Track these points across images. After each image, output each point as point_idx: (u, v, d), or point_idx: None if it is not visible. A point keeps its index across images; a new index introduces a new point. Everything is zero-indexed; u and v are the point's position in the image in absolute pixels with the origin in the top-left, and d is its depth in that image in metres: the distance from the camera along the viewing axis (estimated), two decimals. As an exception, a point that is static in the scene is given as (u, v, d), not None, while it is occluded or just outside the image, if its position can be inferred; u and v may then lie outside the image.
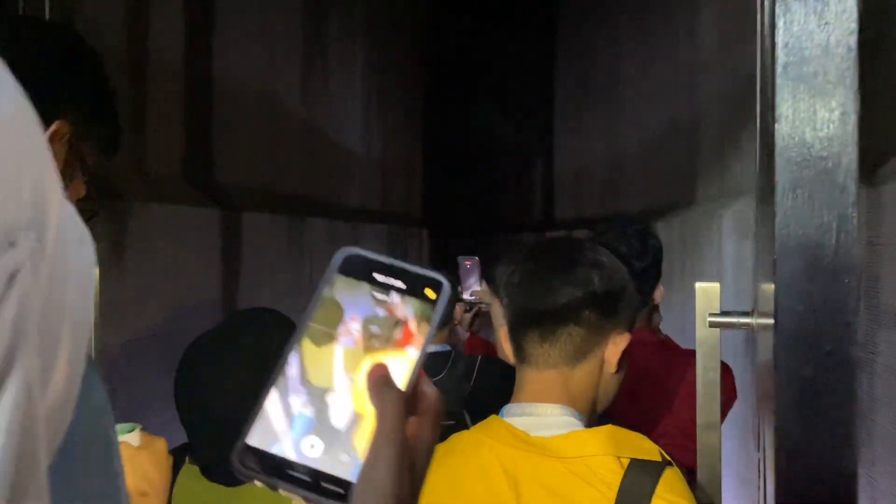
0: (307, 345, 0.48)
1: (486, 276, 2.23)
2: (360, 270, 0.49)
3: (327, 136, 5.53)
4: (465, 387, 2.21)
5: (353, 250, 0.49)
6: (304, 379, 0.47)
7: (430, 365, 0.83)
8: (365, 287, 0.48)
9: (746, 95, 4.23)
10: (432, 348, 2.30)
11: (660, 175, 5.88)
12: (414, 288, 0.49)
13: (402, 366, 0.47)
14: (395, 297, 0.48)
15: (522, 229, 10.96)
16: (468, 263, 2.85)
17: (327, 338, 0.48)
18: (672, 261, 4.86)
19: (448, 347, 2.31)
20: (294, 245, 4.52)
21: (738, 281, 3.48)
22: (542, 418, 1.09)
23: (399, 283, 0.48)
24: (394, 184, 8.62)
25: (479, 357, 2.32)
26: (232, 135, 3.74)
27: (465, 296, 2.84)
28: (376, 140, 7.43)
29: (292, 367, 0.47)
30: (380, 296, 0.48)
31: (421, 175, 10.45)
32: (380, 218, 7.12)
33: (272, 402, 0.46)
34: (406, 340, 0.48)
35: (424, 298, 0.48)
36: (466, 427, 1.25)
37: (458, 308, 2.76)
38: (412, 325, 0.48)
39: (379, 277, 0.49)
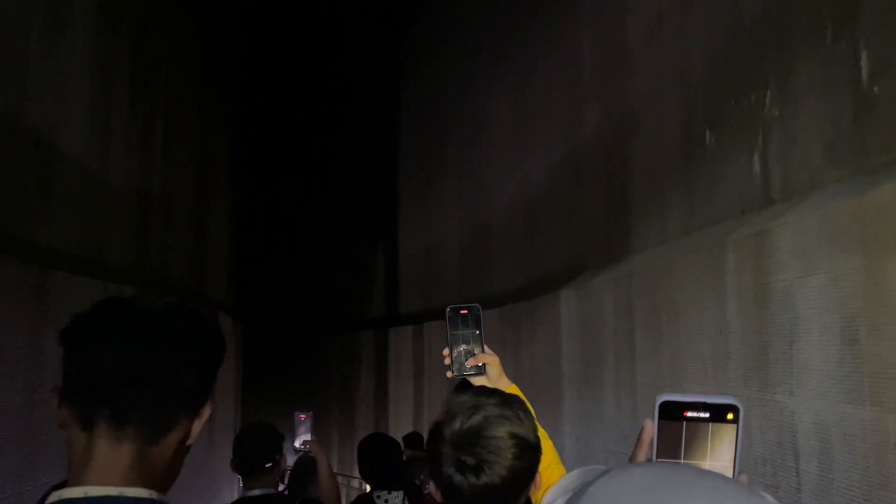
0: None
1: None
2: (673, 412, 0.78)
3: (54, 144, 3.80)
4: None
5: (668, 396, 0.78)
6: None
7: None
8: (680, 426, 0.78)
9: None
10: (257, 492, 2.70)
11: (532, 252, 4.96)
12: (716, 415, 0.77)
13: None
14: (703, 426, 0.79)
15: (359, 328, 9.71)
16: (302, 416, 3.21)
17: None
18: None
19: (272, 490, 2.70)
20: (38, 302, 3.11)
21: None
22: None
23: (704, 414, 0.77)
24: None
25: (301, 500, 2.77)
26: None
27: (296, 444, 3.21)
28: (157, 174, 5.63)
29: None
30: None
31: (228, 254, 8.47)
32: (138, 278, 5.05)
33: None
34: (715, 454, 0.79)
35: (725, 420, 0.77)
36: None
37: (285, 458, 2.91)
38: (718, 445, 0.78)
39: (690, 414, 0.77)
